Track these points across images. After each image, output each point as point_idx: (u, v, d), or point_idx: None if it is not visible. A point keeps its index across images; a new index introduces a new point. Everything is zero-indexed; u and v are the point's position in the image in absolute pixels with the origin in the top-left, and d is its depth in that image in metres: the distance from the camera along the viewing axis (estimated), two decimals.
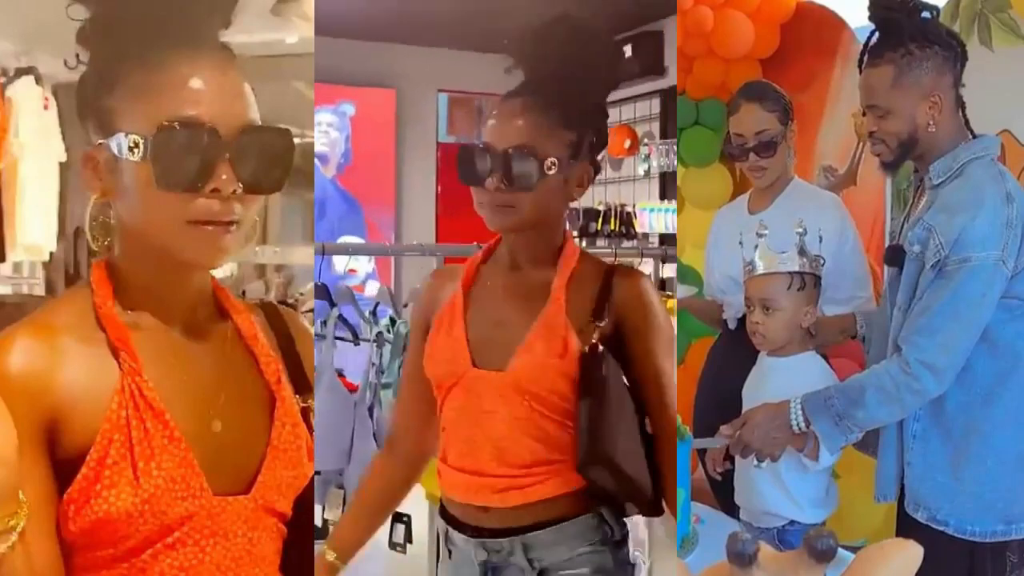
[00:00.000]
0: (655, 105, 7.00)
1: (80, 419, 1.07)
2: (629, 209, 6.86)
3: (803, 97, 3.19)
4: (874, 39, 1.95)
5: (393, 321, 2.88)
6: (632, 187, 7.16)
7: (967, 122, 1.96)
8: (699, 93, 3.70)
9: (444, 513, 1.53)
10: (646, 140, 7.01)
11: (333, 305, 2.92)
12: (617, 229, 6.44)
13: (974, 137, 1.95)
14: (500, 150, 1.41)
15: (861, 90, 1.98)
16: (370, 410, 2.78)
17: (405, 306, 2.95)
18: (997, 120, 2.57)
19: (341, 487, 2.78)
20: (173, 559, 1.10)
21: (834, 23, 3.47)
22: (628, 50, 6.73)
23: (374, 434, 2.76)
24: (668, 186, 6.92)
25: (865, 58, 1.96)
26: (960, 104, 1.95)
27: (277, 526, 1.21)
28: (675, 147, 6.69)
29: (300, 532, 1.26)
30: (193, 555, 1.11)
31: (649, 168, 6.97)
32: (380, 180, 7.37)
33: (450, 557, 1.52)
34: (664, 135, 6.91)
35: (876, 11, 1.95)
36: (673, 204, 6.57)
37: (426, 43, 7.37)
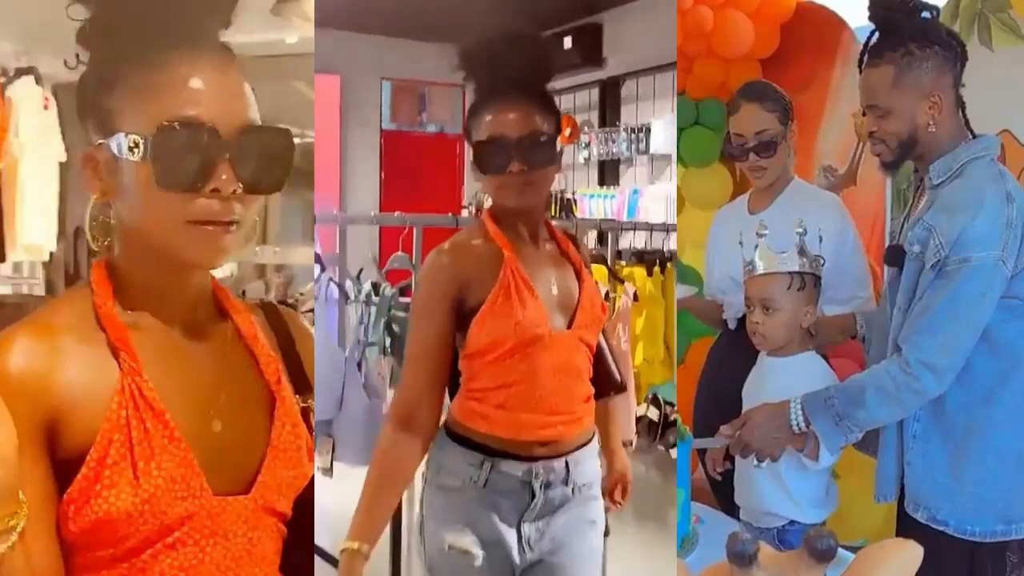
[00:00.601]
0: (594, 95, 7.30)
1: (80, 419, 1.07)
2: (569, 196, 7.10)
3: (803, 97, 3.19)
4: (874, 39, 1.95)
5: (375, 286, 3.10)
6: (572, 174, 7.46)
7: (967, 122, 1.96)
8: (699, 93, 3.70)
9: (488, 450, 1.69)
10: (586, 129, 7.28)
11: (323, 269, 3.22)
12: (557, 215, 6.62)
13: (974, 137, 1.95)
14: (515, 138, 1.64)
15: (861, 90, 1.98)
16: (358, 365, 3.02)
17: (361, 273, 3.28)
18: (997, 120, 2.57)
19: (330, 435, 2.95)
20: (173, 559, 1.10)
21: (834, 23, 3.47)
22: (568, 42, 6.97)
23: (363, 385, 2.98)
24: (607, 173, 7.20)
25: (865, 58, 1.96)
26: (960, 104, 1.95)
27: (277, 526, 1.21)
28: (613, 135, 6.86)
29: (300, 532, 1.26)
30: (193, 555, 1.11)
31: (589, 156, 7.24)
32: (325, 165, 7.44)
33: (485, 485, 1.68)
34: (603, 124, 7.18)
35: (876, 11, 1.95)
36: (612, 190, 6.82)
37: (371, 31, 7.50)
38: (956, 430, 1.91)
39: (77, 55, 1.13)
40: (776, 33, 3.58)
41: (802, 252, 2.06)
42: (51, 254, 4.22)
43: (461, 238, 1.75)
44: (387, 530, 3.53)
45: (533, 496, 1.70)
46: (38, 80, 4.03)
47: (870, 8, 1.96)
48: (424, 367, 1.70)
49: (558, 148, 1.70)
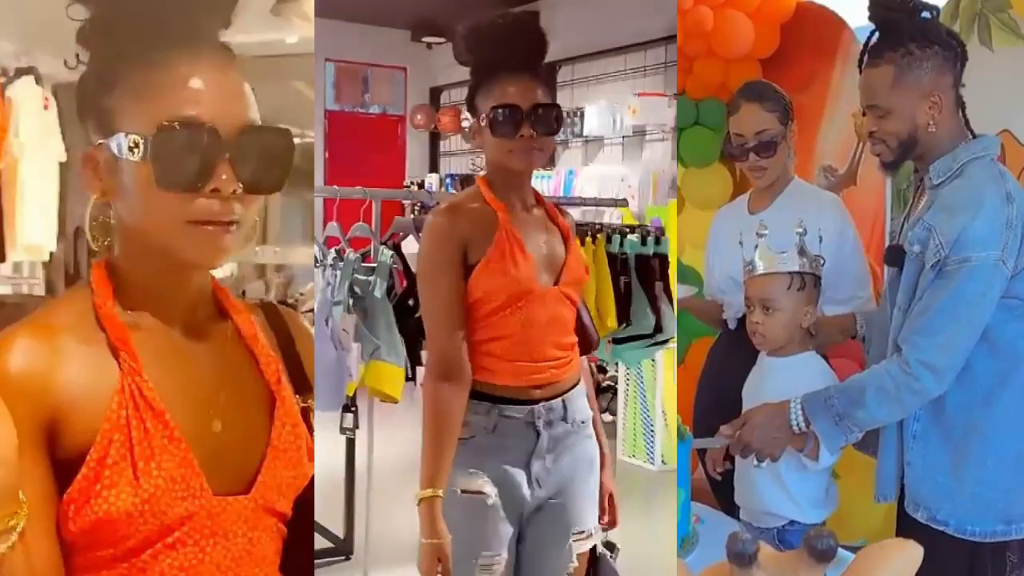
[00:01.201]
0: None
1: (80, 419, 1.07)
2: None
3: (803, 97, 3.19)
4: (874, 39, 1.95)
5: (339, 253, 3.41)
6: None
7: (967, 122, 1.96)
8: (699, 93, 3.69)
9: (493, 398, 1.86)
10: None
11: None
12: None
13: (974, 137, 1.95)
14: (528, 107, 1.82)
15: (861, 90, 1.98)
16: (325, 321, 3.32)
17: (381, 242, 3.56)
18: (997, 120, 2.57)
19: None
20: (173, 559, 1.10)
21: (834, 23, 3.47)
22: None
23: (330, 338, 3.27)
24: None
25: (865, 58, 1.96)
26: (960, 104, 1.95)
27: (277, 526, 1.21)
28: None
29: (300, 532, 1.26)
30: (193, 555, 1.11)
31: None
32: None
33: (494, 431, 1.86)
34: None
35: (876, 11, 1.95)
36: (549, 171, 6.89)
37: (316, 14, 7.68)
38: (956, 430, 1.91)
39: (77, 55, 1.13)
40: (776, 33, 3.58)
41: (802, 252, 2.06)
42: (51, 254, 4.22)
43: (458, 200, 1.92)
44: (342, 479, 3.75)
45: (538, 435, 1.87)
46: (38, 80, 4.03)
47: (870, 8, 1.96)
48: (447, 320, 1.85)
49: (559, 119, 1.88)
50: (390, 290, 3.38)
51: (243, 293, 4.42)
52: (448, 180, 8.17)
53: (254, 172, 1.10)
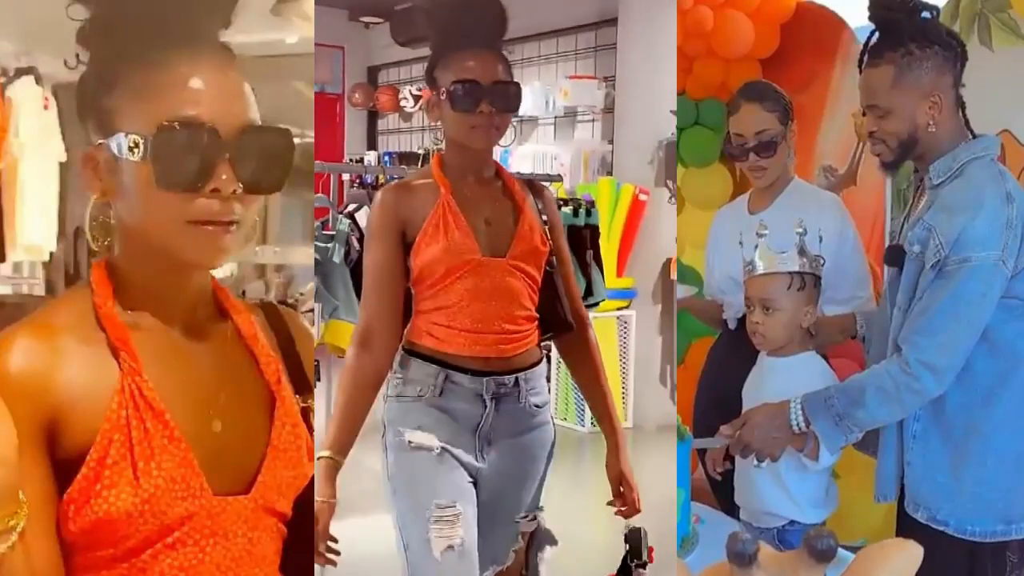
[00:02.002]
0: None
1: (80, 419, 1.07)
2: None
3: (803, 97, 3.18)
4: (874, 39, 1.95)
5: None
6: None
7: (967, 122, 1.96)
8: (699, 93, 3.69)
9: (443, 363, 1.88)
10: None
11: None
12: None
13: (974, 137, 1.95)
14: (489, 83, 1.83)
15: (861, 90, 1.98)
16: None
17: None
18: (997, 120, 2.57)
19: None
20: (173, 559, 1.10)
21: (834, 23, 3.46)
22: None
23: None
24: None
25: (865, 58, 1.96)
26: (960, 104, 1.95)
27: (277, 526, 1.21)
28: None
29: (300, 532, 1.26)
30: (193, 555, 1.11)
31: None
32: None
33: (440, 395, 1.88)
34: None
35: (876, 11, 1.95)
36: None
37: None
38: (956, 430, 1.91)
39: (77, 55, 1.13)
40: (776, 33, 3.58)
41: (802, 252, 2.06)
42: (51, 254, 4.22)
43: (408, 178, 1.98)
44: None
45: (484, 407, 1.89)
46: (38, 80, 4.02)
47: (870, 8, 1.96)
48: (376, 292, 1.91)
49: (519, 96, 1.90)
50: (347, 255, 3.63)
51: (243, 293, 4.42)
52: (386, 158, 8.25)
53: (254, 172, 1.10)
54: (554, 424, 2.04)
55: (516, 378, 1.91)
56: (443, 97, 1.84)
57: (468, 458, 1.90)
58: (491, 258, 1.88)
